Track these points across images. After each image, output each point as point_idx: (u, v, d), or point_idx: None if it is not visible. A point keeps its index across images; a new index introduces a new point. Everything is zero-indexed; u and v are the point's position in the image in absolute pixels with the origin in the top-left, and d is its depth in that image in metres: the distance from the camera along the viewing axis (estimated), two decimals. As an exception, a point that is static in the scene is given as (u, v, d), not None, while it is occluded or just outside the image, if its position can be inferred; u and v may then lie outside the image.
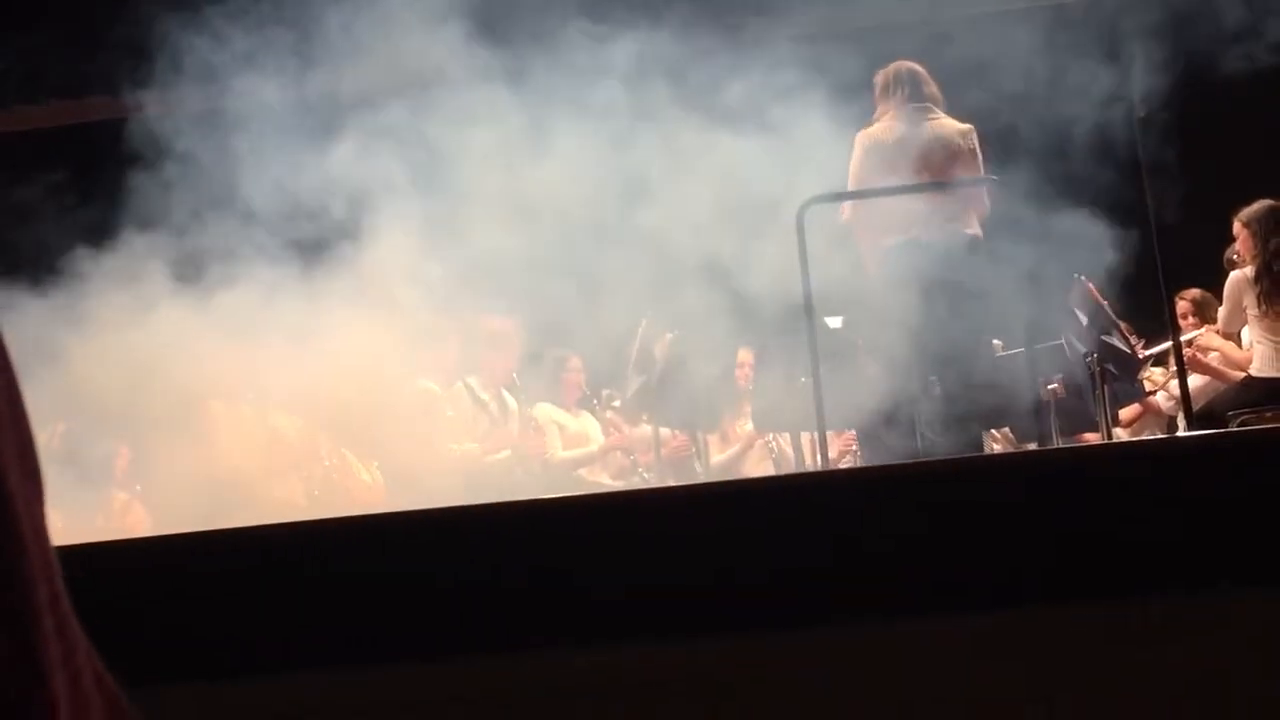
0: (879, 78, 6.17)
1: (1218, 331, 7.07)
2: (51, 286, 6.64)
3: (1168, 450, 3.66)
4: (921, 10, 6.82)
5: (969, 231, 5.96)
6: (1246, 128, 7.70)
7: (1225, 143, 7.57)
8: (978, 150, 6.03)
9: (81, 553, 3.04)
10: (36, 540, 0.75)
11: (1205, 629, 2.80)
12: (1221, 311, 6.87)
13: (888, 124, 6.07)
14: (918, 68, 6.12)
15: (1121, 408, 7.05)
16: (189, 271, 6.70)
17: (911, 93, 6.06)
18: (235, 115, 6.54)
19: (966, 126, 6.04)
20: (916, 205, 5.92)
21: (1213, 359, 7.06)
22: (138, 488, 6.92)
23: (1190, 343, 6.98)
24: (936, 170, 5.96)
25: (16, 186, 6.88)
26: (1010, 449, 6.77)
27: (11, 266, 6.50)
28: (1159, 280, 5.13)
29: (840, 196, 6.10)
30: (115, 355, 6.58)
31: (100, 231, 6.80)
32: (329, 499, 6.96)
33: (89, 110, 7.86)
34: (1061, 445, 5.90)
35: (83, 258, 6.73)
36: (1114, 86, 5.52)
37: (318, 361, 6.37)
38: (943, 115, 6.08)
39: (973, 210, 6.00)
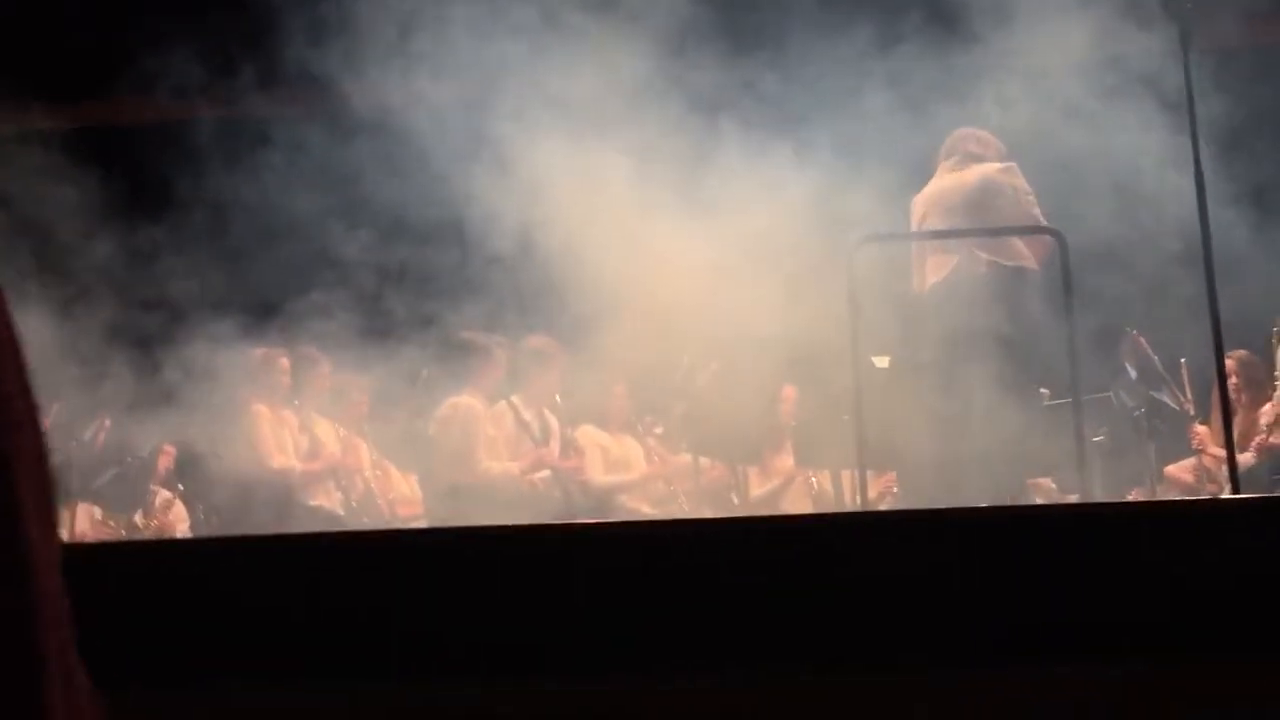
0: (941, 147, 6.28)
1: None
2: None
3: (1212, 510, 3.62)
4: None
5: (1009, 263, 5.97)
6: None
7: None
8: (1021, 186, 6.04)
9: (119, 549, 3.07)
10: (51, 588, 0.76)
11: (1228, 701, 2.77)
12: None
13: (930, 185, 6.18)
14: (969, 130, 6.22)
15: (1169, 464, 6.99)
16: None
17: (953, 150, 6.17)
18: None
19: (1007, 165, 6.09)
20: (957, 244, 6.00)
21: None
22: (180, 486, 6.97)
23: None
24: (979, 210, 6.01)
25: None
26: (1053, 500, 6.71)
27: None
28: (1213, 336, 5.08)
29: (891, 237, 6.13)
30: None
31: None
32: (367, 510, 6.99)
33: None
34: (1104, 500, 5.85)
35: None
36: (1175, 137, 5.49)
37: None
38: (987, 160, 6.13)
39: (1018, 243, 6.02)
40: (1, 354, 0.77)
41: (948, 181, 6.19)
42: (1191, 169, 4.86)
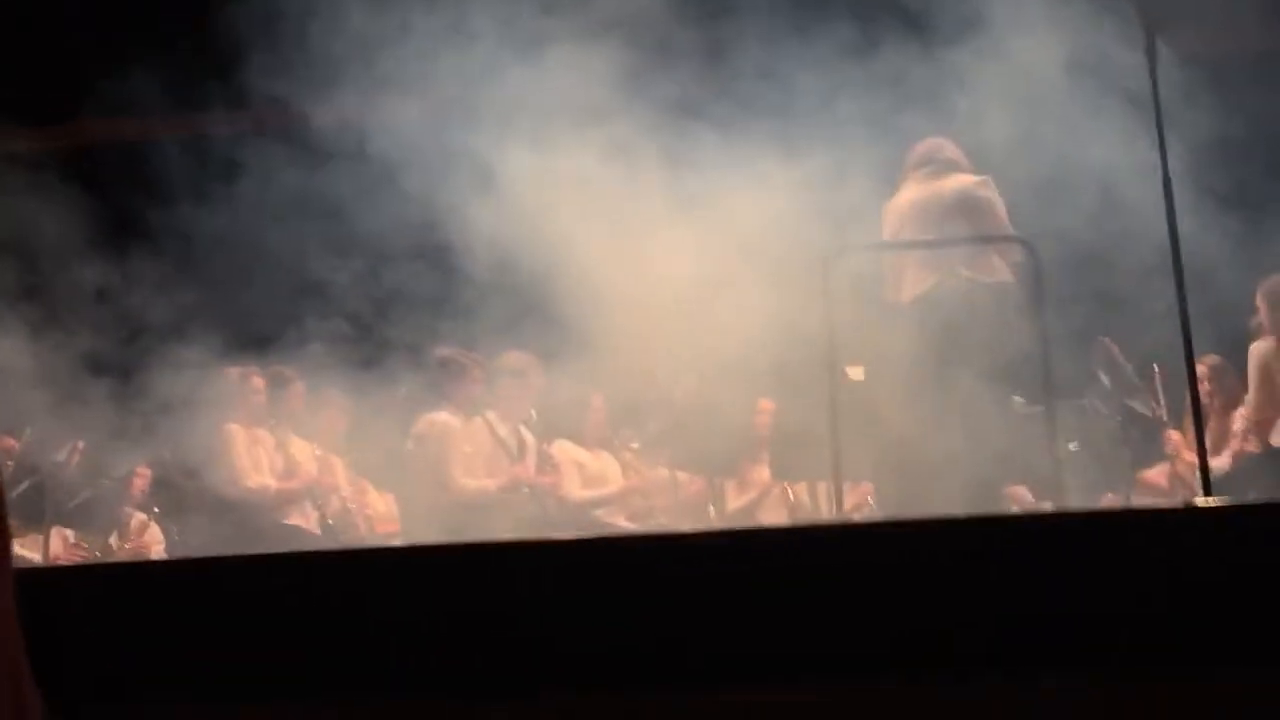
0: (907, 156, 6.29)
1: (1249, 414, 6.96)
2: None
3: (1186, 517, 3.63)
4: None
5: (989, 280, 5.99)
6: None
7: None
8: (995, 199, 6.07)
9: (94, 572, 3.05)
10: (3, 607, 0.76)
11: (1203, 709, 2.78)
12: (1251, 385, 6.80)
13: (904, 193, 6.19)
14: (940, 140, 6.23)
15: (1142, 470, 7.02)
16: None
17: (927, 160, 6.18)
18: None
19: (981, 178, 6.11)
20: (937, 258, 6.01)
21: None
22: (155, 509, 6.94)
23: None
24: (955, 223, 6.03)
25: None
26: (1027, 508, 6.73)
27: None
28: (1183, 343, 5.10)
29: (867, 247, 6.15)
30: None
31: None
32: (344, 528, 6.97)
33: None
34: (1080, 507, 5.87)
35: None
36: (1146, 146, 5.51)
37: None
38: (959, 172, 6.15)
39: (995, 257, 6.05)
40: None
41: (923, 192, 6.19)
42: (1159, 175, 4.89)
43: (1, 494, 0.80)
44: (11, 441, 6.66)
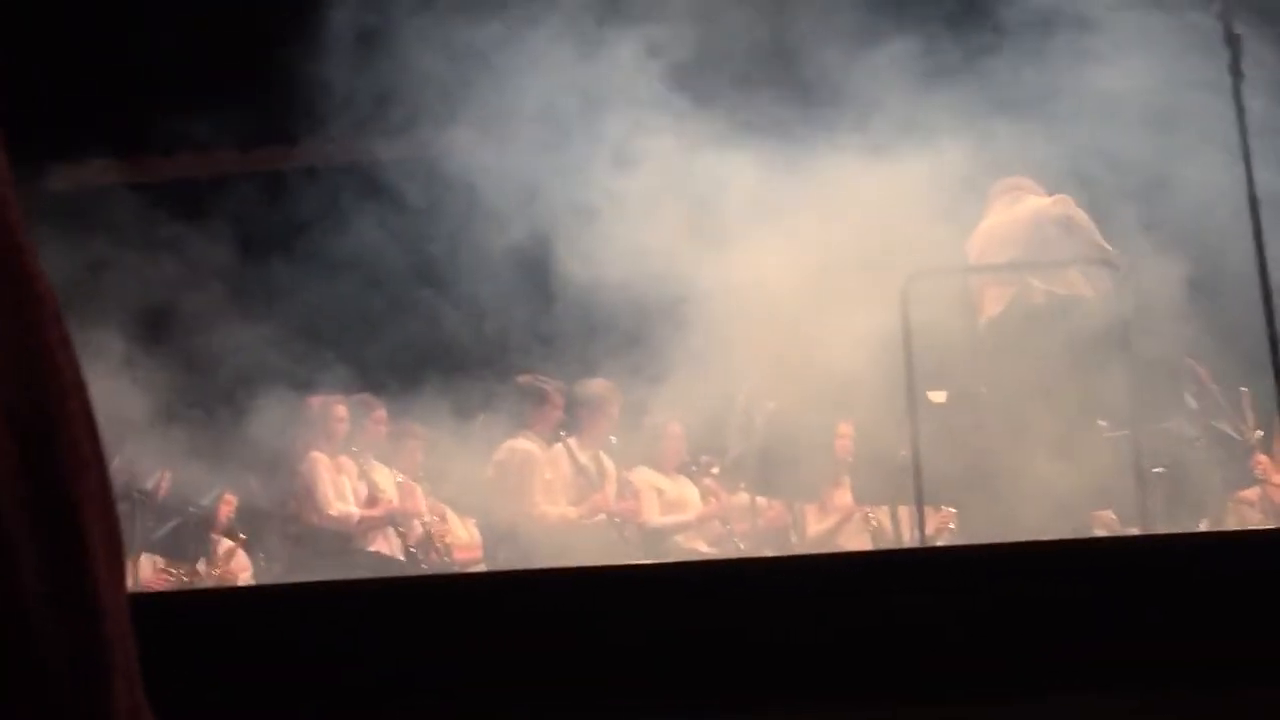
0: (988, 193, 6.32)
1: None
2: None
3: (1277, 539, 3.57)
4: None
5: (1064, 292, 5.96)
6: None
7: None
8: (1076, 216, 6.03)
9: (183, 598, 3.10)
10: (120, 631, 0.78)
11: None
12: None
13: (986, 220, 6.20)
14: (1020, 178, 6.24)
15: (1231, 494, 6.90)
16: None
17: (1009, 189, 6.20)
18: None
19: (1059, 196, 6.10)
20: (1013, 277, 6.01)
21: None
22: (241, 535, 7.03)
23: None
24: (1032, 243, 6.01)
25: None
26: (1113, 532, 6.64)
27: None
28: (1272, 365, 5.02)
29: (944, 272, 6.13)
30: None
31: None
32: (426, 555, 7.02)
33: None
34: (1166, 531, 5.78)
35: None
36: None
37: None
38: (1034, 195, 6.17)
39: (1074, 273, 6.01)
40: (68, 400, 0.79)
41: (1003, 217, 6.22)
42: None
43: (111, 496, 0.82)
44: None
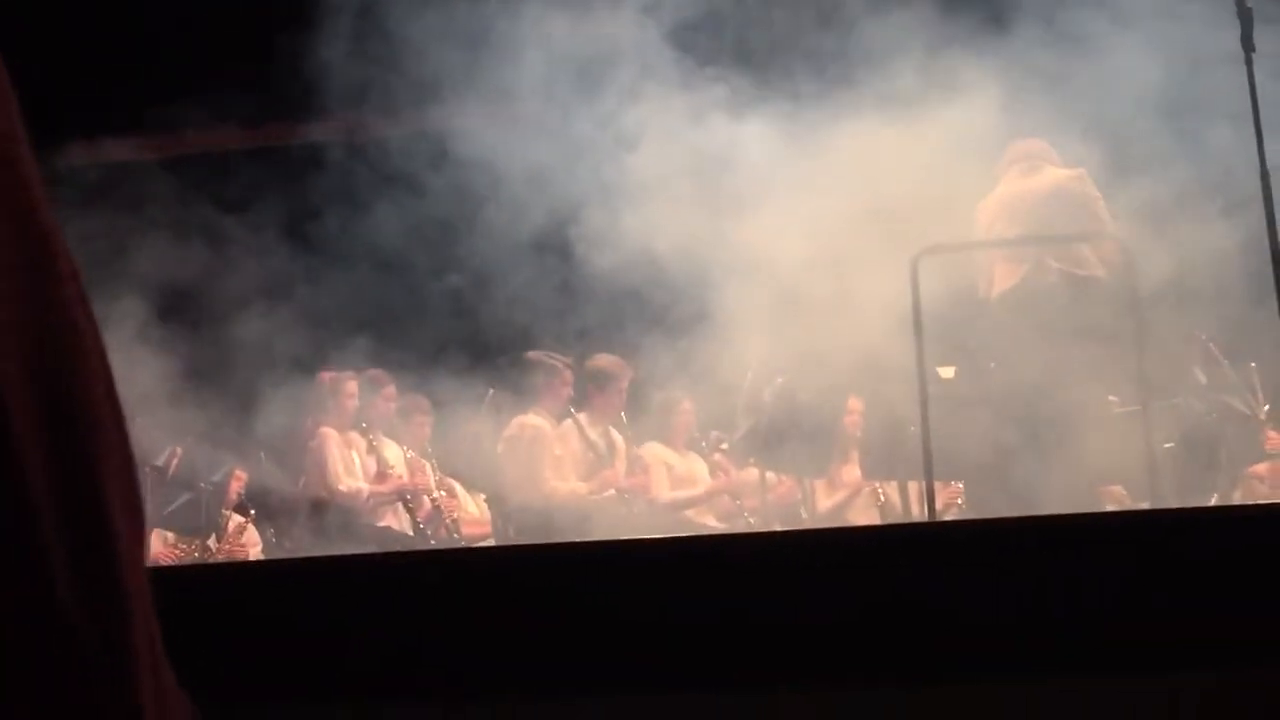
0: (1002, 157, 6.23)
1: None
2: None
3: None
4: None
5: (1081, 272, 5.90)
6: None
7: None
8: (1092, 193, 5.98)
9: (194, 573, 3.11)
10: (138, 585, 0.78)
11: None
12: None
13: (999, 189, 6.12)
14: (1035, 140, 6.16)
15: (1241, 469, 6.89)
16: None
17: (1023, 157, 6.12)
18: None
19: (1077, 171, 6.02)
20: (1026, 252, 5.94)
21: None
22: (251, 511, 7.05)
23: None
24: (1050, 217, 5.95)
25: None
26: (1124, 507, 6.64)
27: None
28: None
29: (954, 247, 6.09)
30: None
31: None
32: (435, 530, 7.04)
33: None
34: (1178, 505, 5.78)
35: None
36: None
37: None
38: (1052, 166, 6.08)
39: (1088, 251, 5.96)
40: (89, 359, 0.79)
41: (1017, 187, 6.12)
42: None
43: (131, 456, 0.82)
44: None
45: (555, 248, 6.82)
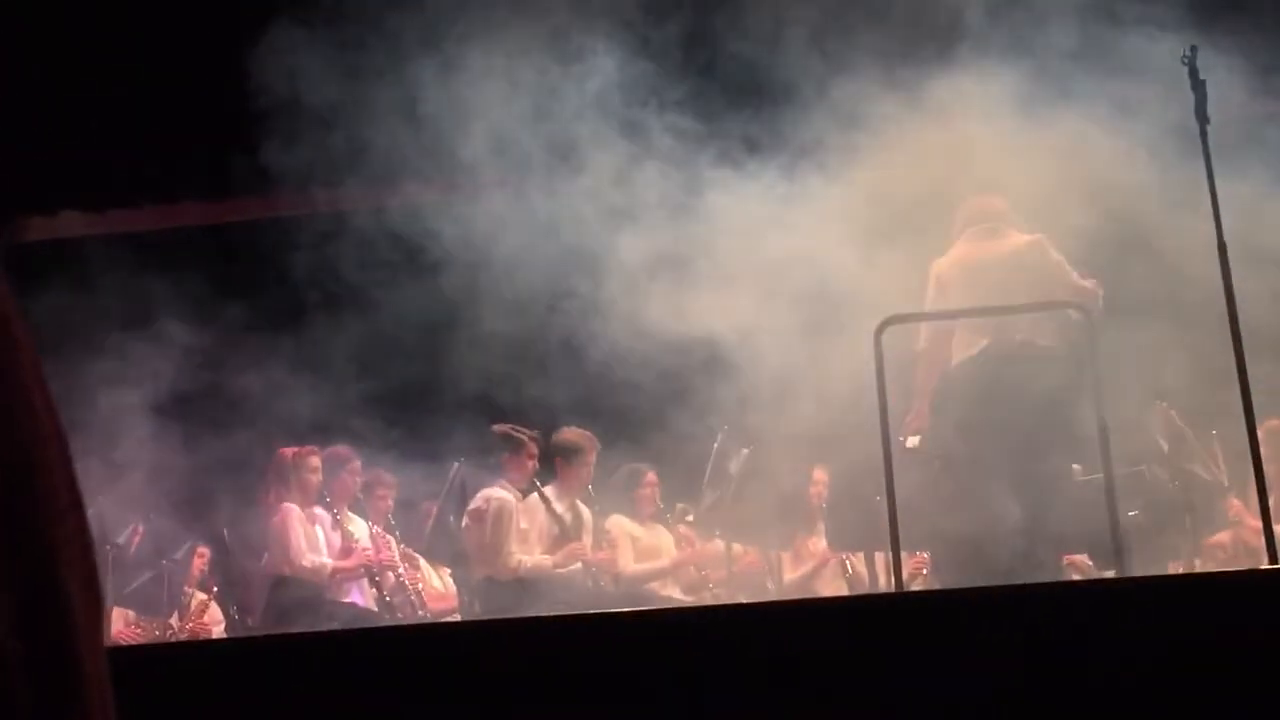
0: (956, 214, 6.21)
1: None
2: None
3: (1251, 581, 3.58)
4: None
5: (1042, 343, 5.90)
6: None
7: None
8: (1054, 259, 5.97)
9: (155, 652, 3.07)
10: (94, 667, 0.77)
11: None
12: None
13: (954, 252, 6.10)
14: (989, 197, 6.15)
15: (1206, 537, 6.92)
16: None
17: (979, 218, 6.10)
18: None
19: (1034, 238, 6.01)
20: (989, 322, 5.92)
21: None
22: (214, 589, 6.98)
23: None
24: (1010, 285, 5.92)
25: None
26: (1089, 576, 6.65)
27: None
28: (1243, 408, 5.04)
29: (918, 317, 6.09)
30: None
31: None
32: (401, 605, 6.98)
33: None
34: (1141, 575, 5.79)
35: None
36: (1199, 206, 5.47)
37: None
38: (1012, 232, 6.07)
39: (1049, 324, 5.95)
40: (48, 445, 0.79)
41: (977, 251, 6.06)
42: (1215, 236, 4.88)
43: (89, 541, 0.82)
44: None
45: (521, 323, 6.82)
